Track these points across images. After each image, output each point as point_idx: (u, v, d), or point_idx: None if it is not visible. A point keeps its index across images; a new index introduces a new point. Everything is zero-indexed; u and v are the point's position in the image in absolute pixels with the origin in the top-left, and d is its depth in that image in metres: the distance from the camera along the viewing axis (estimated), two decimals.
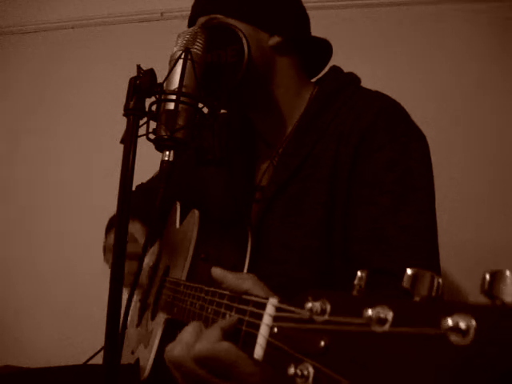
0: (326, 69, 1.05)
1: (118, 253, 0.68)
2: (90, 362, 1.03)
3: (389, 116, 0.87)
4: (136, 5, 2.23)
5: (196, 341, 0.56)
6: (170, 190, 0.73)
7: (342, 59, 1.05)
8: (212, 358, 0.53)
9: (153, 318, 0.99)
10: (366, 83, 1.01)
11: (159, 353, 0.87)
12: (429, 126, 0.96)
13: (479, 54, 1.79)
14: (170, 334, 0.88)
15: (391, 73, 1.84)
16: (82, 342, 1.88)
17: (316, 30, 1.04)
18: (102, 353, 0.67)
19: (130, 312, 1.07)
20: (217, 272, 0.62)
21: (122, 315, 0.67)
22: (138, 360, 0.97)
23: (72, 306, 2.12)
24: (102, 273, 1.20)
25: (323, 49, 1.03)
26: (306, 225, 0.88)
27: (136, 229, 1.05)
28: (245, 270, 0.86)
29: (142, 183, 1.27)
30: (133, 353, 1.04)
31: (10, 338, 2.19)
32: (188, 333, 0.58)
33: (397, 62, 1.86)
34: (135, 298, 1.16)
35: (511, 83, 1.74)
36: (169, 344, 0.61)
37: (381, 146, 0.84)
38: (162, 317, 0.91)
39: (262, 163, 1.03)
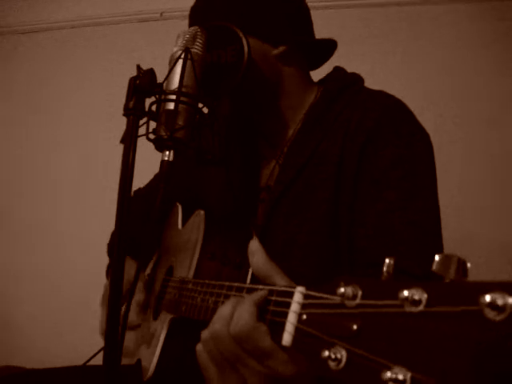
0: (329, 69, 1.04)
1: (118, 252, 0.68)
2: (91, 363, 1.03)
3: (394, 115, 0.88)
4: (136, 5, 2.23)
5: (233, 316, 0.55)
6: (168, 191, 0.73)
7: (341, 58, 1.04)
8: (251, 339, 0.52)
9: (155, 318, 0.99)
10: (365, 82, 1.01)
11: (164, 352, 0.87)
12: (428, 125, 0.96)
13: (478, 54, 1.79)
14: (174, 334, 0.88)
15: (388, 72, 1.84)
16: (82, 342, 1.88)
17: (317, 30, 1.03)
18: (101, 354, 0.67)
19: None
20: (255, 244, 0.61)
21: (121, 316, 0.67)
22: (139, 360, 0.97)
23: (72, 307, 2.12)
24: (102, 273, 1.20)
25: (329, 48, 1.02)
26: (310, 220, 0.88)
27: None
28: (250, 270, 0.86)
29: (140, 188, 1.25)
30: (133, 353, 1.03)
31: (10, 338, 2.19)
32: (227, 308, 0.57)
33: (395, 61, 1.86)
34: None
35: (509, 83, 1.75)
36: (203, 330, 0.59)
37: (386, 143, 0.85)
38: (166, 316, 0.91)
39: (267, 164, 1.02)
